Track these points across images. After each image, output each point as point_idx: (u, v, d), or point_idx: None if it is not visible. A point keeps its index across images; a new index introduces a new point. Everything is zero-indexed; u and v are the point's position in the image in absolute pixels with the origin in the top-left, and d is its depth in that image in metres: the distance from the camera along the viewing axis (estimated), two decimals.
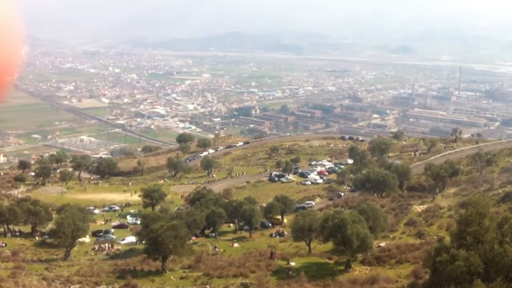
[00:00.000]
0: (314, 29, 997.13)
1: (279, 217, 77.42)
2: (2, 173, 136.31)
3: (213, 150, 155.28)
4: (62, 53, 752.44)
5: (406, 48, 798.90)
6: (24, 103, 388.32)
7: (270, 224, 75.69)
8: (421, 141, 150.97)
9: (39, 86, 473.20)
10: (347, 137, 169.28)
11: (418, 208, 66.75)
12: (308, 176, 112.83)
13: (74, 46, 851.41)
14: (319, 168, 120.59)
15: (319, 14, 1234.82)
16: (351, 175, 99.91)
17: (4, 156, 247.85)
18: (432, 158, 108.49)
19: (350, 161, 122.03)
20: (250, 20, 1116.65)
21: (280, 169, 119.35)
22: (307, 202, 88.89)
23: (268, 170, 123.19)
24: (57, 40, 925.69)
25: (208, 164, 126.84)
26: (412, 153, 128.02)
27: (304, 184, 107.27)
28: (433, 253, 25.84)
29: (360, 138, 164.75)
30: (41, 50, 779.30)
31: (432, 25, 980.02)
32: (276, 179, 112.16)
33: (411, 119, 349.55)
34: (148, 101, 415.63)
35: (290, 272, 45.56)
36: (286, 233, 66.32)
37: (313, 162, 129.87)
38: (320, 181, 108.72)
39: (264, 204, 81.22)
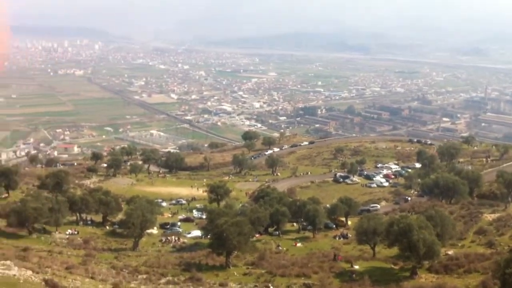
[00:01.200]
0: (380, 29, 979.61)
1: (343, 219, 76.84)
2: (76, 164, 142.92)
3: (278, 149, 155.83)
4: (134, 49, 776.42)
5: (479, 51, 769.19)
6: (98, 97, 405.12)
7: (334, 226, 75.24)
8: (494, 147, 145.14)
9: (112, 80, 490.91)
10: (415, 140, 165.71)
11: (489, 216, 64.44)
12: (374, 178, 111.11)
13: (145, 43, 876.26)
14: (385, 171, 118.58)
15: (385, 14, 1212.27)
16: (419, 180, 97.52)
17: (78, 147, 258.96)
18: (504, 165, 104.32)
19: (417, 165, 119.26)
20: (317, 20, 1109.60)
21: (345, 170, 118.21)
22: (372, 205, 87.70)
23: (333, 171, 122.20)
24: (129, 36, 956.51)
25: (272, 163, 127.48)
26: (484, 159, 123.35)
27: (370, 187, 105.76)
28: (504, 264, 25.16)
29: (429, 142, 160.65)
30: (114, 45, 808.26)
31: (507, 27, 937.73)
32: (341, 180, 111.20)
33: (483, 124, 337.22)
34: (215, 98, 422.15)
35: (354, 275, 45.33)
36: (350, 235, 65.81)
37: (379, 165, 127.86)
38: (386, 184, 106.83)
39: (328, 205, 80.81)
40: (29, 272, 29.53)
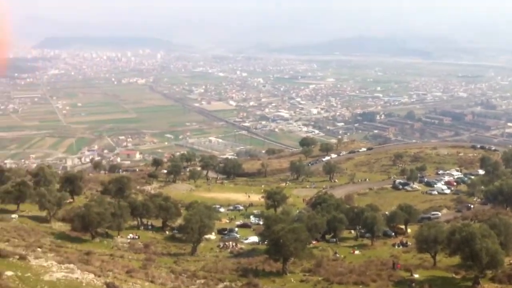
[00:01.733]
0: (441, 32, 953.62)
1: (403, 226, 75.21)
2: (137, 170, 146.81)
3: (336, 155, 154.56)
4: (194, 57, 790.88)
5: None
6: (159, 105, 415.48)
7: (393, 234, 73.73)
8: None
9: (173, 88, 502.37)
10: (478, 146, 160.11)
11: None
12: (435, 185, 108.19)
13: (205, 51, 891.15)
14: (446, 178, 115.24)
15: (446, 17, 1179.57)
16: (482, 187, 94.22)
17: (140, 153, 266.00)
18: None
19: (481, 171, 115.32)
20: (376, 24, 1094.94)
21: (405, 177, 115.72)
22: (433, 212, 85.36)
23: (392, 178, 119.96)
24: (190, 45, 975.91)
25: (330, 169, 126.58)
26: None
27: (430, 194, 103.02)
28: None
29: (493, 148, 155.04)
30: (175, 54, 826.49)
31: None
32: (400, 187, 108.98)
33: None
34: (273, 104, 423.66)
35: (413, 284, 44.34)
36: (410, 243, 64.30)
37: (440, 171, 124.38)
38: (447, 191, 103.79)
39: (386, 212, 79.36)
40: (91, 276, 30.51)
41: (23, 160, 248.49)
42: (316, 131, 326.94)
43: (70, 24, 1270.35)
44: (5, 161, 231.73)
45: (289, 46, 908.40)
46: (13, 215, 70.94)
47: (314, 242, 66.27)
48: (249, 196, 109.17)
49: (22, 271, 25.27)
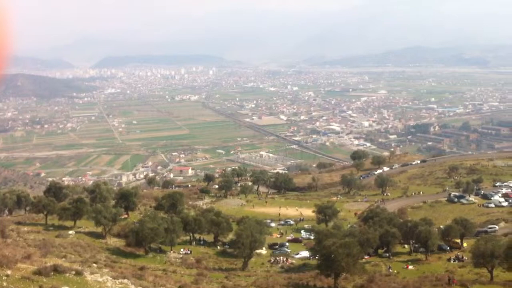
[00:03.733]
0: (500, 41, 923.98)
1: (458, 240, 73.04)
2: (190, 185, 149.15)
3: (388, 168, 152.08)
4: (246, 73, 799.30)
5: None
6: (211, 120, 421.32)
7: (448, 248, 71.74)
8: None
9: (224, 104, 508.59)
10: None
11: None
12: (492, 198, 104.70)
13: (257, 67, 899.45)
14: (504, 190, 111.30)
15: (506, 25, 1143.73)
16: None
17: (192, 169, 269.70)
18: None
19: None
20: (430, 34, 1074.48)
21: (460, 189, 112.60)
22: (490, 226, 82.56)
23: (447, 190, 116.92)
24: (241, 61, 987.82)
25: (382, 182, 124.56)
26: None
27: (487, 207, 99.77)
28: None
29: None
30: (227, 70, 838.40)
31: None
32: (456, 200, 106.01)
33: None
34: (324, 118, 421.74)
35: None
36: (466, 258, 62.45)
37: (498, 183, 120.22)
38: (505, 204, 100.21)
39: (441, 226, 77.32)
40: None
41: (80, 177, 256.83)
42: (368, 144, 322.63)
43: (126, 44, 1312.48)
44: (63, 179, 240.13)
45: (340, 58, 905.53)
46: (70, 232, 73.34)
47: (366, 257, 65.34)
48: (297, 210, 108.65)
49: (78, 286, 26.16)
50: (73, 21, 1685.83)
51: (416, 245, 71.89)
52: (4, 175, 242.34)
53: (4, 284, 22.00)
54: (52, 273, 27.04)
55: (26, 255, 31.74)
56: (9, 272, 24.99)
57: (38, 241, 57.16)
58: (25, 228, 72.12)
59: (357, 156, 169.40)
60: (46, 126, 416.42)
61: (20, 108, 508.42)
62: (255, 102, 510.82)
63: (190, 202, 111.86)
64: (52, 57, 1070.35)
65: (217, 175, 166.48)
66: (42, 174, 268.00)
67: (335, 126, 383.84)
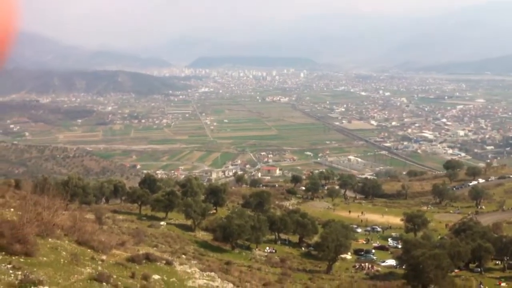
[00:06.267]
0: None
1: None
2: (277, 185, 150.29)
3: (484, 180, 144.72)
4: (337, 76, 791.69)
5: None
6: (300, 122, 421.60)
7: None
8: None
9: (314, 107, 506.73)
10: None
11: None
12: None
13: (348, 70, 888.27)
14: None
15: None
16: None
17: (280, 170, 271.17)
18: None
19: None
20: None
21: None
22: None
23: None
24: (333, 64, 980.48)
25: (477, 194, 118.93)
26: None
27: None
28: None
29: None
30: (318, 73, 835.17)
31: None
32: None
33: None
34: (416, 125, 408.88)
35: None
36: None
37: None
38: None
39: None
40: (230, 285, 31.67)
41: (172, 171, 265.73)
42: (463, 154, 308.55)
43: (220, 44, 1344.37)
44: (157, 171, 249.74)
45: (435, 65, 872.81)
46: (162, 223, 76.57)
47: (456, 270, 62.97)
48: (383, 217, 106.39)
49: (168, 275, 27.15)
50: (170, 22, 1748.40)
51: (511, 262, 68.38)
52: (103, 165, 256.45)
53: (99, 268, 23.22)
54: (144, 261, 28.18)
55: (121, 242, 33.36)
56: (104, 257, 26.23)
57: (132, 229, 59.91)
58: (120, 217, 76.03)
59: (450, 165, 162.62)
60: (143, 121, 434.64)
61: (120, 103, 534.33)
62: (345, 106, 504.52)
63: (277, 202, 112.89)
64: (150, 56, 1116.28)
65: (304, 177, 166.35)
66: (138, 166, 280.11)
67: (428, 134, 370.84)
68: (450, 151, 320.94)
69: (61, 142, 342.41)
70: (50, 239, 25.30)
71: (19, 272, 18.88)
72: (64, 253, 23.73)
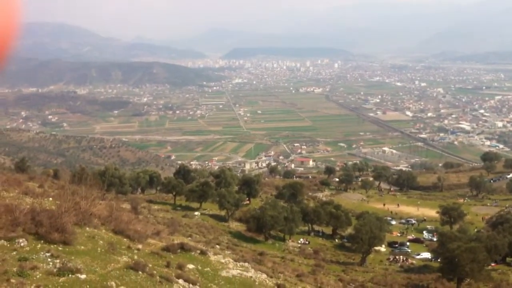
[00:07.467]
0: None
1: None
2: (310, 177, 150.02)
3: None
4: (371, 67, 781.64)
5: None
6: (334, 114, 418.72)
7: None
8: None
9: (348, 98, 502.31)
10: None
11: None
12: None
13: (383, 61, 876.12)
14: None
15: None
16: None
17: (313, 161, 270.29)
18: None
19: None
20: None
21: None
22: None
23: None
24: (367, 55, 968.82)
25: None
26: None
27: None
28: None
29: None
30: (352, 64, 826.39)
31: None
32: None
33: None
34: (453, 116, 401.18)
35: None
36: None
37: None
38: None
39: None
40: (264, 276, 31.83)
41: (206, 162, 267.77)
42: (501, 146, 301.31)
43: (254, 35, 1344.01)
44: (191, 162, 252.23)
45: (473, 54, 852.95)
46: (196, 213, 77.48)
47: (492, 264, 61.80)
48: (418, 210, 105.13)
49: (202, 265, 27.49)
50: (204, 13, 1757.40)
51: None
52: (139, 156, 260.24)
53: (135, 257, 23.65)
54: (179, 251, 28.60)
55: (156, 232, 33.85)
56: (140, 246, 26.72)
57: (167, 219, 60.81)
58: (155, 207, 77.28)
59: (488, 157, 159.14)
60: (177, 112, 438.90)
61: (155, 94, 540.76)
62: (380, 96, 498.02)
63: (310, 193, 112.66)
64: (185, 47, 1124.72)
65: (337, 168, 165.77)
66: (173, 157, 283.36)
67: (465, 125, 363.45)
68: (487, 142, 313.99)
69: (97, 132, 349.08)
70: (87, 228, 25.95)
71: (57, 260, 19.50)
72: (101, 242, 24.32)
